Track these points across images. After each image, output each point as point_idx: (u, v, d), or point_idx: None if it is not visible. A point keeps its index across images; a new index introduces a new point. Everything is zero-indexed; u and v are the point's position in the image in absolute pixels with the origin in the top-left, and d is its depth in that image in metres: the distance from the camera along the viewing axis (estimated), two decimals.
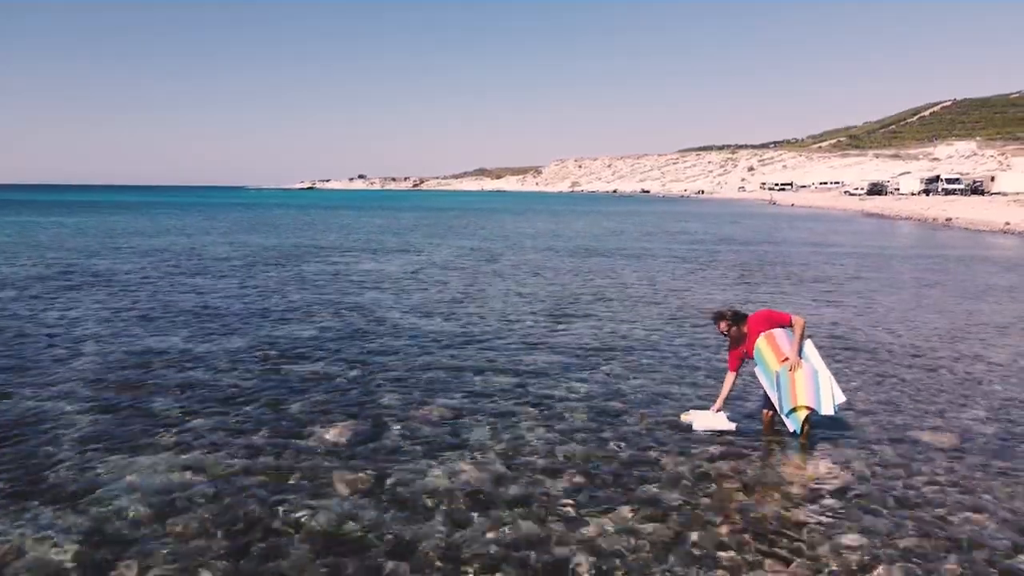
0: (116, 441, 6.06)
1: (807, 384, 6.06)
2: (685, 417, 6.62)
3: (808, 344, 6.31)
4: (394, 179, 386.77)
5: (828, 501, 5.08)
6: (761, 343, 6.26)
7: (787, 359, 6.11)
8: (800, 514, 4.89)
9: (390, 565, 4.22)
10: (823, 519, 4.81)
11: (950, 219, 43.70)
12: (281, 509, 4.86)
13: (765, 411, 6.52)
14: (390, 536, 4.54)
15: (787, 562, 4.26)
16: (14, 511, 4.80)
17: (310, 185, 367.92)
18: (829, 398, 6.05)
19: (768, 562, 4.26)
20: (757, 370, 6.42)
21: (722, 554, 4.35)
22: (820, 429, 6.48)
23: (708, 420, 6.46)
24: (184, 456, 5.75)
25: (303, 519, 4.73)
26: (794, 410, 6.10)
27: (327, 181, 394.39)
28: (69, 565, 4.17)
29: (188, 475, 5.39)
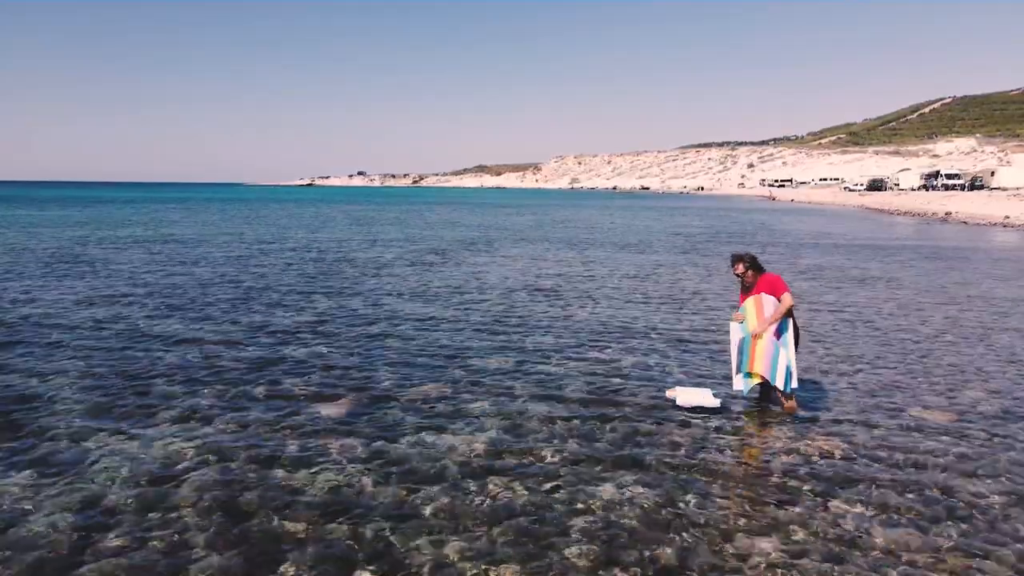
0: (110, 415, 6.05)
1: (765, 357, 6.14)
2: (670, 393, 6.65)
3: (790, 327, 6.33)
4: (393, 176, 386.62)
5: (826, 471, 5.06)
6: (749, 303, 6.40)
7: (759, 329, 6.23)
8: (798, 483, 4.88)
9: (387, 529, 4.21)
10: (821, 488, 4.80)
11: (949, 213, 43.64)
12: (277, 478, 4.85)
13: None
14: (387, 502, 4.53)
15: (784, 529, 4.25)
16: (7, 481, 4.78)
17: (309, 182, 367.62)
18: (783, 376, 6.11)
19: (765, 528, 4.25)
20: (733, 324, 6.60)
21: (719, 520, 4.34)
22: (819, 405, 6.48)
23: (692, 396, 6.48)
24: (179, 429, 5.74)
25: (300, 487, 4.72)
26: (749, 374, 6.23)
27: (326, 178, 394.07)
28: (63, 534, 4.14)
29: (183, 446, 5.37)
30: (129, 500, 4.51)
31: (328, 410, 6.23)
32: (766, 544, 4.07)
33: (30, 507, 4.41)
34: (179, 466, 5.02)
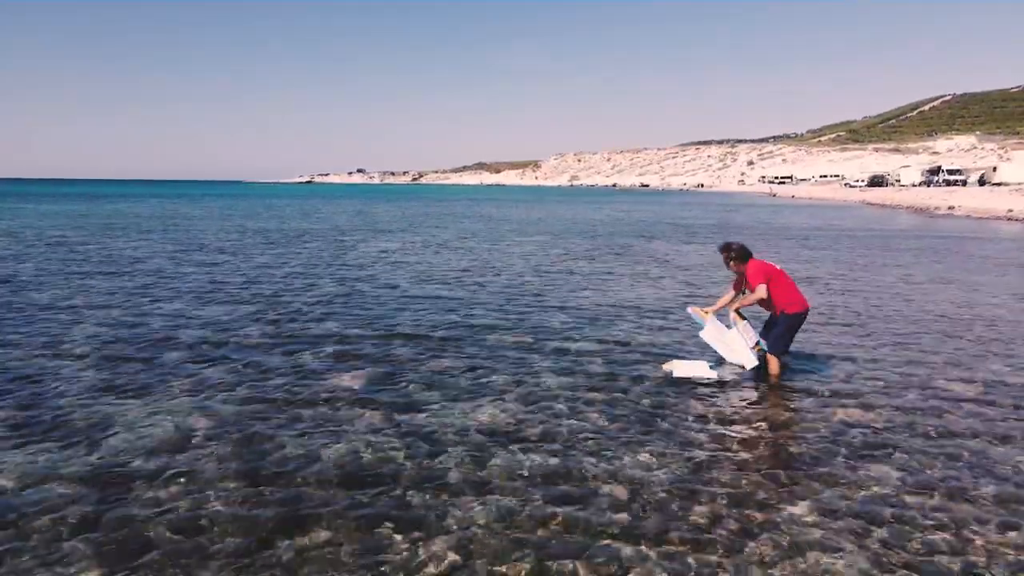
0: (125, 389, 5.96)
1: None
2: (666, 366, 6.65)
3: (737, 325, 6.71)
4: (393, 173, 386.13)
5: (854, 440, 4.99)
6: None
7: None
8: (827, 451, 4.79)
9: (410, 495, 4.12)
10: (850, 455, 4.72)
11: (952, 207, 43.55)
12: (297, 447, 4.76)
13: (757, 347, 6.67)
14: (411, 470, 4.44)
15: (816, 495, 4.16)
16: (25, 448, 4.71)
17: (308, 179, 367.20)
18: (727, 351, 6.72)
19: (797, 495, 4.17)
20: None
21: (749, 488, 4.25)
22: (842, 379, 6.41)
23: (689, 369, 6.48)
24: (195, 400, 5.66)
25: (321, 456, 4.63)
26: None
27: (326, 175, 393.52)
28: (81, 502, 4.05)
29: (200, 416, 5.29)
30: (146, 469, 4.42)
31: (345, 381, 6.15)
32: (799, 510, 3.99)
33: (47, 476, 4.32)
34: (196, 436, 4.93)
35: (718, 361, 6.80)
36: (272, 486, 4.20)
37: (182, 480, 4.25)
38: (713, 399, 5.85)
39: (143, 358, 6.91)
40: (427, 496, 4.11)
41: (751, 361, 6.53)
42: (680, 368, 6.52)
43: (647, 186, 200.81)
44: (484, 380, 6.26)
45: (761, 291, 6.26)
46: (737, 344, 6.63)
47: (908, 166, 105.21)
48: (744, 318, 6.70)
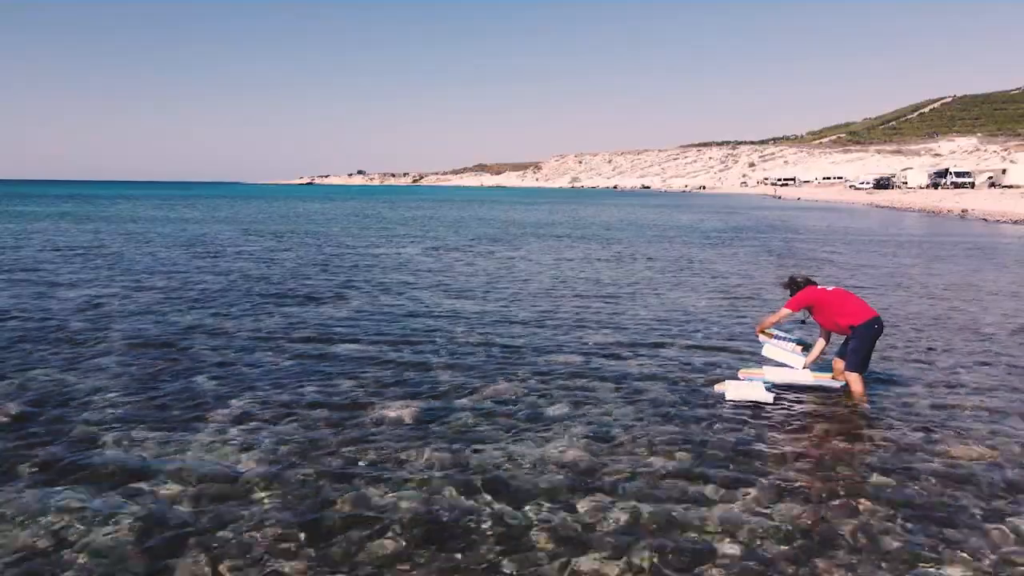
0: (158, 420, 5.43)
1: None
2: (719, 387, 6.22)
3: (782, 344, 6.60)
4: (393, 175, 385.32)
5: (983, 479, 4.46)
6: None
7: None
8: (955, 494, 4.27)
9: (497, 552, 3.61)
10: (985, 499, 4.19)
11: (965, 210, 43.13)
12: (356, 493, 4.23)
13: (835, 359, 6.42)
14: (490, 520, 3.92)
15: (969, 552, 3.63)
16: (59, 493, 4.17)
17: (309, 181, 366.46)
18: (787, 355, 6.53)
19: (943, 553, 3.63)
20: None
21: (885, 542, 3.72)
22: (934, 403, 5.88)
23: (742, 390, 6.03)
24: (235, 435, 5.12)
25: (386, 502, 4.11)
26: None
27: (326, 177, 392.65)
28: (125, 553, 3.54)
29: (242, 455, 4.76)
30: (195, 519, 3.90)
31: (393, 413, 5.61)
32: (952, 571, 3.45)
33: (88, 526, 3.79)
34: (243, 480, 4.40)
35: (773, 384, 6.28)
36: (342, 546, 3.66)
37: (239, 536, 3.72)
38: (806, 431, 5.33)
39: (173, 382, 6.37)
40: (516, 553, 3.59)
41: (798, 361, 6.41)
42: (733, 390, 6.04)
43: (648, 188, 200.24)
44: (544, 410, 5.72)
45: (783, 312, 6.30)
46: (785, 347, 6.51)
47: (911, 168, 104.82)
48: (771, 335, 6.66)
